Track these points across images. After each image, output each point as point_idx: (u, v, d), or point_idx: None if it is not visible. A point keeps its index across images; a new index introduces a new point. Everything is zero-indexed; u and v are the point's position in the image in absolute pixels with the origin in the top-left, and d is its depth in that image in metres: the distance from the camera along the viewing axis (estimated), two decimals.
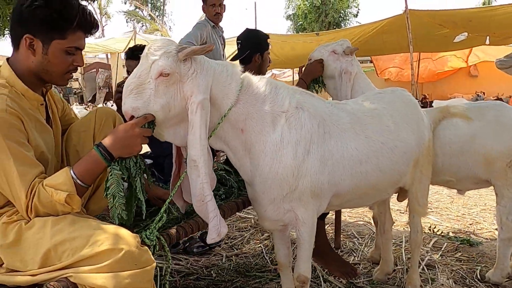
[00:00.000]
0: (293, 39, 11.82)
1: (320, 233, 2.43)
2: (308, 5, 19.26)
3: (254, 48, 2.46)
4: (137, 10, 25.07)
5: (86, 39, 1.46)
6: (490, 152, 2.22)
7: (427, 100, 12.34)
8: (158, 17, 24.62)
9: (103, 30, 24.60)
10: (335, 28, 17.10)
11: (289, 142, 1.53)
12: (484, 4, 22.88)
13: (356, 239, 3.13)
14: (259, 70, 2.45)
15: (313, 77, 2.43)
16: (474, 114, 2.27)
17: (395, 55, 12.23)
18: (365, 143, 1.71)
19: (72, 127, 1.65)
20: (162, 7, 26.81)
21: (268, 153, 1.52)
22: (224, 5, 3.32)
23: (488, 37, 8.02)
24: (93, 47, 13.91)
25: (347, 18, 19.71)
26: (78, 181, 1.28)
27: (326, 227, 3.30)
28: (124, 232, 1.22)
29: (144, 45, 1.66)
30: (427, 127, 2.04)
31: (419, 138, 1.95)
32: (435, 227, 3.39)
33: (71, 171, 1.28)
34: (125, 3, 26.65)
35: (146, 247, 1.26)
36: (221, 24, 3.40)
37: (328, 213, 2.52)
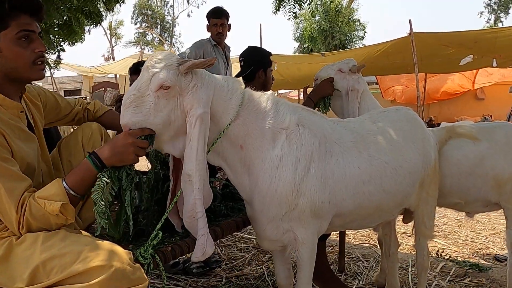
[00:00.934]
0: (299, 59, 11.92)
1: (320, 255, 2.35)
2: (316, 28, 19.54)
3: (257, 65, 2.45)
4: (147, 33, 25.62)
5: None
6: (501, 174, 2.16)
7: (433, 122, 12.25)
8: (167, 38, 25.13)
9: (112, 51, 25.11)
10: (341, 50, 17.25)
11: (289, 159, 1.49)
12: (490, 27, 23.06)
13: (361, 262, 3.04)
14: (263, 87, 2.43)
15: (322, 96, 2.41)
16: (482, 135, 2.22)
17: (402, 75, 12.24)
18: (368, 162, 1.66)
19: (61, 143, 1.67)
20: (171, 29, 27.38)
21: (267, 170, 1.48)
22: (229, 24, 3.35)
23: (494, 60, 7.99)
24: (103, 71, 14.23)
25: (354, 40, 19.96)
26: (71, 191, 1.25)
27: (330, 249, 3.23)
28: (116, 249, 1.18)
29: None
30: (433, 147, 1.99)
31: (425, 158, 1.90)
32: (443, 251, 3.29)
33: (63, 182, 1.26)
34: (136, 24, 27.33)
35: (139, 265, 1.22)
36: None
37: (329, 234, 2.45)
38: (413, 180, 1.82)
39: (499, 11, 25.04)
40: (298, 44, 21.42)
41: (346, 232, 2.97)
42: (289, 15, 3.53)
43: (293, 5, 3.44)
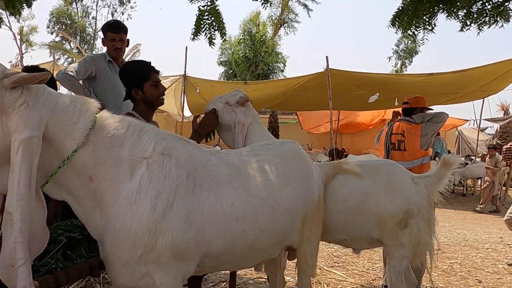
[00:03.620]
0: (222, 85, 12.00)
1: None
2: (240, 55, 19.99)
3: (129, 84, 2.21)
4: (64, 42, 23.97)
5: None
6: (382, 211, 2.19)
7: (346, 153, 12.98)
8: (87, 51, 23.66)
9: (22, 58, 22.96)
10: (264, 79, 17.81)
11: (148, 193, 1.31)
12: (396, 72, 25.76)
13: None
14: (149, 105, 2.19)
15: (209, 130, 2.29)
16: (366, 172, 2.26)
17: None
18: (243, 198, 1.54)
19: None
20: (92, 41, 25.96)
21: (121, 205, 1.29)
22: (128, 39, 3.13)
23: (396, 99, 8.81)
24: None
25: (275, 71, 20.77)
26: None
27: (223, 284, 3.06)
28: None
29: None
30: (317, 182, 1.94)
31: (307, 195, 1.83)
32: (338, 284, 3.32)
33: None
34: (52, 33, 25.41)
35: None
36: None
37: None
38: (292, 218, 1.73)
39: (404, 58, 28.10)
40: (223, 69, 21.67)
41: None
42: (209, 41, 3.39)
43: (213, 32, 3.32)
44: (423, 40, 2.53)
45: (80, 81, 2.99)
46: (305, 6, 21.10)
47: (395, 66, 28.19)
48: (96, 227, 1.33)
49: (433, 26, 2.46)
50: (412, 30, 2.47)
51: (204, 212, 1.43)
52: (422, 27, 2.46)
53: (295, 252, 2.01)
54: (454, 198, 9.59)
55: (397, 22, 2.62)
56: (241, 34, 20.39)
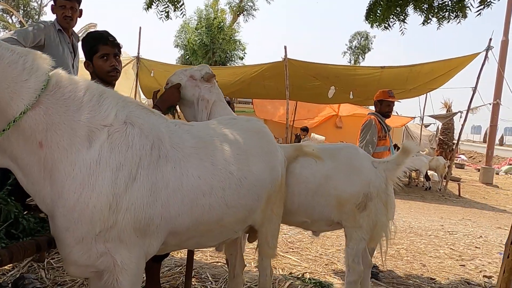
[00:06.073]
0: (178, 69, 11.69)
1: (153, 279, 2.07)
2: (198, 41, 19.52)
3: (85, 55, 2.05)
4: (5, 15, 22.00)
5: None
6: (342, 194, 2.21)
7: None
8: None
9: None
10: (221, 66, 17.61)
11: (109, 164, 1.19)
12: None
13: (209, 283, 2.84)
14: (101, 79, 1.97)
15: (169, 104, 2.17)
16: (327, 155, 2.26)
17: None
18: (210, 172, 1.46)
19: None
20: (37, 17, 24.08)
21: (77, 177, 1.16)
22: (81, 10, 2.89)
23: (351, 92, 9.08)
24: None
25: (233, 59, 20.55)
26: None
27: (179, 269, 2.97)
28: None
29: None
30: (280, 162, 1.91)
31: (272, 172, 1.79)
32: (293, 269, 3.34)
33: None
34: None
35: None
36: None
37: (166, 255, 2.17)
38: (258, 194, 1.68)
39: (357, 54, 29.16)
40: (179, 54, 21.08)
41: (194, 250, 2.76)
42: (161, 15, 3.26)
43: (167, 4, 3.19)
44: (401, 31, 2.60)
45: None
46: None
47: (349, 62, 29.12)
48: (45, 199, 1.19)
49: (405, 16, 2.53)
50: (388, 23, 2.52)
51: (169, 185, 1.33)
52: (397, 19, 2.52)
53: (255, 234, 1.97)
54: (400, 189, 10.11)
55: (371, 17, 2.67)
56: (198, 20, 19.93)
